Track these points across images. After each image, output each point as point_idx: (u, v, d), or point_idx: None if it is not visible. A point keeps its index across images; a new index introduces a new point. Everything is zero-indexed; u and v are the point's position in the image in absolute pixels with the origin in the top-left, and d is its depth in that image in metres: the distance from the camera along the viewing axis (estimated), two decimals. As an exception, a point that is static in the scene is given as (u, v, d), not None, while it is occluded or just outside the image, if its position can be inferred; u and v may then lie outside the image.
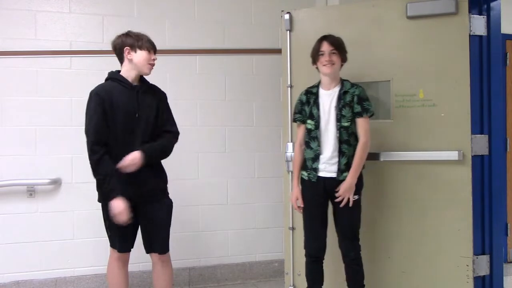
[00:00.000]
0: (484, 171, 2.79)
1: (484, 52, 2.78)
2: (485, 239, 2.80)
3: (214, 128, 3.61)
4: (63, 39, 3.34)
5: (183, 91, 3.53)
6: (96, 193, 2.46)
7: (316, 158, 2.57)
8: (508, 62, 3.91)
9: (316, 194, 2.59)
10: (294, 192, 2.68)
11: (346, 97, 2.53)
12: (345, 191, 2.49)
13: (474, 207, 2.67)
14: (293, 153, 2.77)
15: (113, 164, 2.33)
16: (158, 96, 2.54)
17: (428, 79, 2.73)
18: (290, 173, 2.99)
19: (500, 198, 2.87)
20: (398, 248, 2.82)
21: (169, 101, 2.62)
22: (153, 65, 2.47)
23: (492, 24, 2.75)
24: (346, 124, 2.51)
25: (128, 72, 2.44)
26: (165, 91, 2.61)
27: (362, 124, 2.52)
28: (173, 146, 2.55)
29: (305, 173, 2.63)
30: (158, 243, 2.50)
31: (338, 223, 2.60)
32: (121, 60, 2.46)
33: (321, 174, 2.57)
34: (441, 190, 2.71)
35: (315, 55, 2.57)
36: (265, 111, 3.68)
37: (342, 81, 2.59)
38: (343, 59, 2.58)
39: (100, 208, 2.48)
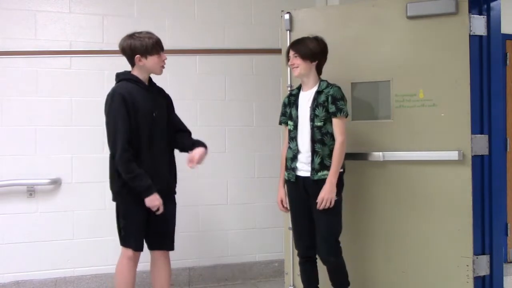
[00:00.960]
0: (484, 171, 2.79)
1: (484, 52, 2.77)
2: (485, 239, 2.79)
3: (214, 128, 3.61)
4: (63, 39, 3.34)
5: (183, 91, 3.52)
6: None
7: (294, 157, 2.59)
8: (508, 62, 3.91)
9: (298, 193, 2.60)
10: (279, 193, 2.71)
11: (320, 97, 2.53)
12: (328, 193, 2.45)
13: (474, 207, 2.67)
14: None
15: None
16: (166, 97, 2.62)
17: (428, 79, 2.73)
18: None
19: (500, 198, 2.87)
20: (398, 248, 2.81)
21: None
22: (164, 65, 2.53)
23: (492, 24, 2.75)
24: (319, 123, 2.51)
25: (141, 75, 2.48)
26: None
27: (337, 124, 2.51)
28: None
29: (286, 174, 2.65)
30: (169, 240, 2.56)
31: (318, 225, 2.55)
32: (131, 63, 2.48)
33: (299, 173, 2.58)
34: (441, 190, 2.70)
35: (287, 61, 2.65)
36: (265, 111, 3.68)
37: (320, 81, 2.60)
38: (311, 60, 2.55)
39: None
